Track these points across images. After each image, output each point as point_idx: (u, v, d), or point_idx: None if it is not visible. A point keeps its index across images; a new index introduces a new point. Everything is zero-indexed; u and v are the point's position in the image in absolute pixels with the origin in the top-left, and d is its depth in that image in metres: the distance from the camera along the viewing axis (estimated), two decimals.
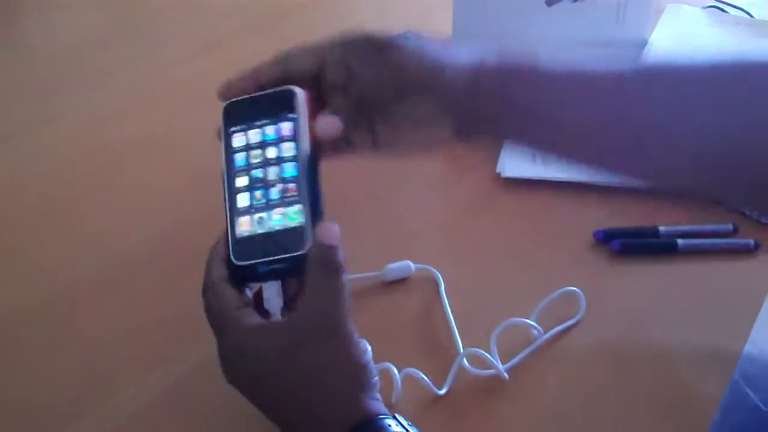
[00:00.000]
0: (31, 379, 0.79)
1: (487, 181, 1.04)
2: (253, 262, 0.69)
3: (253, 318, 0.67)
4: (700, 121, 0.71)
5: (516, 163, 1.06)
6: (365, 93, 0.73)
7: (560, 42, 1.26)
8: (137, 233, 0.97)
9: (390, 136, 0.76)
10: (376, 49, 0.73)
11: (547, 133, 0.75)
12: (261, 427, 0.68)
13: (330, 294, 0.66)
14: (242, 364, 0.67)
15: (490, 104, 0.73)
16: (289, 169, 0.71)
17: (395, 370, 0.75)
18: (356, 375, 0.66)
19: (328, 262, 0.66)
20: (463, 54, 0.75)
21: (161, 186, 1.05)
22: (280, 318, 0.69)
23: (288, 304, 0.70)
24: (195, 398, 0.77)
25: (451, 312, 0.84)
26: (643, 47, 1.22)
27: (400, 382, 0.75)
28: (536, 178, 1.04)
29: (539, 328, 0.81)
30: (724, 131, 0.70)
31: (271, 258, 0.69)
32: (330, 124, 0.72)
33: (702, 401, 0.76)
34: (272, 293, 0.70)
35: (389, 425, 0.64)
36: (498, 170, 1.06)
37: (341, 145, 0.76)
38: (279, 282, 0.70)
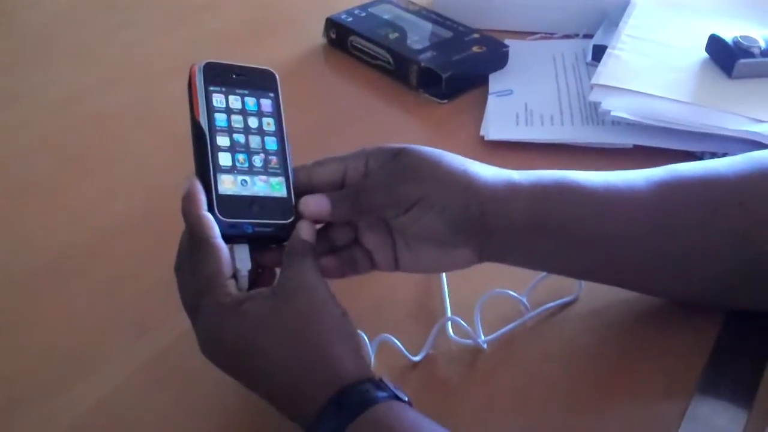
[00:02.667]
0: (16, 352, 0.79)
1: (471, 144, 1.04)
2: (241, 221, 0.70)
3: (236, 290, 0.68)
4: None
5: (500, 126, 1.06)
6: (377, 197, 0.72)
7: (543, 2, 1.26)
8: (121, 204, 0.96)
9: (410, 257, 0.75)
10: (393, 154, 0.72)
11: (583, 251, 0.75)
12: (247, 394, 0.68)
13: (305, 264, 0.68)
14: (222, 333, 0.67)
15: (522, 221, 0.72)
16: (271, 142, 0.74)
17: (366, 339, 0.75)
18: (337, 333, 0.66)
19: (305, 250, 0.69)
20: (489, 170, 0.73)
21: (144, 156, 1.04)
22: (246, 277, 0.70)
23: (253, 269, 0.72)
24: (181, 366, 0.77)
25: (447, 280, 0.83)
26: (625, 8, 1.21)
27: (372, 350, 0.75)
28: (520, 140, 1.04)
29: (526, 303, 0.80)
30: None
31: (260, 221, 0.71)
32: (317, 203, 0.72)
33: None
34: (244, 254, 0.71)
35: (371, 389, 0.63)
36: (482, 133, 1.06)
37: (367, 266, 0.76)
38: (247, 245, 0.71)
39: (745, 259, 0.73)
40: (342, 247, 0.76)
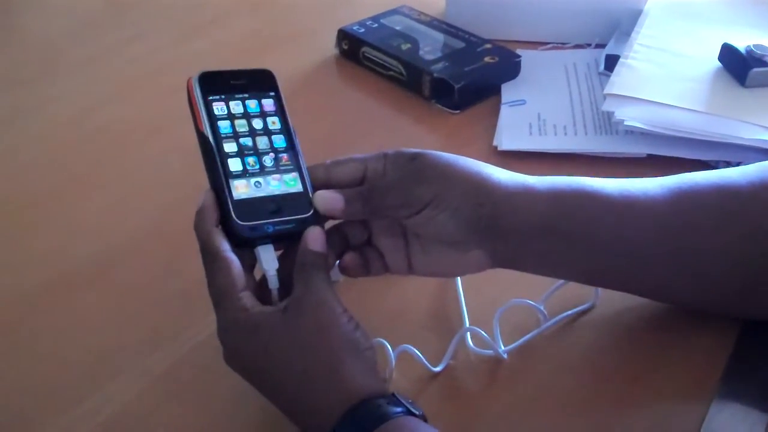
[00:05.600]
0: (30, 365, 0.79)
1: (484, 154, 1.04)
2: (260, 222, 0.71)
3: (252, 302, 0.68)
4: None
5: (512, 136, 1.06)
6: (391, 198, 0.72)
7: (555, 11, 1.26)
8: (133, 216, 0.96)
9: (423, 260, 0.75)
10: (409, 158, 0.73)
11: (598, 256, 0.75)
12: (260, 408, 0.68)
13: (315, 278, 0.68)
14: (239, 347, 0.68)
15: (536, 224, 0.73)
16: (279, 140, 0.75)
17: (389, 347, 0.75)
18: (348, 349, 0.66)
19: (316, 262, 0.69)
20: (503, 173, 0.74)
21: (154, 169, 1.04)
22: (275, 277, 0.71)
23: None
24: (195, 379, 0.76)
25: (463, 290, 0.83)
26: (638, 17, 1.21)
27: (393, 359, 0.74)
28: (533, 150, 1.04)
29: (544, 312, 0.80)
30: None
31: (279, 218, 0.71)
32: (330, 199, 0.72)
33: None
34: (269, 254, 0.71)
35: (383, 404, 0.63)
36: (495, 143, 1.05)
37: (379, 268, 0.77)
38: (272, 245, 0.72)
39: (760, 263, 0.73)
40: (355, 247, 0.76)
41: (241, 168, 0.72)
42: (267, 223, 0.71)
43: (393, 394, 0.65)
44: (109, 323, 0.83)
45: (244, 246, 0.71)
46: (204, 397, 0.75)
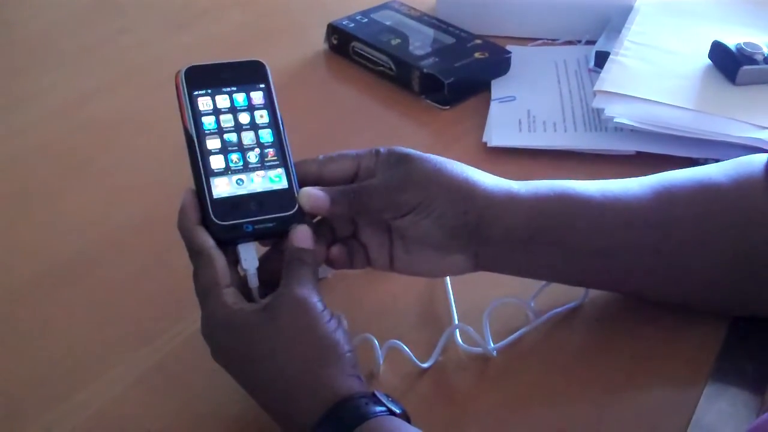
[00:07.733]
0: (17, 360, 0.78)
1: (473, 151, 1.04)
2: (240, 221, 0.70)
3: (235, 298, 0.68)
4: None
5: (502, 132, 1.06)
6: (377, 200, 0.72)
7: (545, 7, 1.26)
8: (121, 211, 0.96)
9: (406, 259, 0.75)
10: (399, 159, 0.72)
11: (581, 260, 0.76)
12: (249, 403, 0.68)
13: (300, 275, 0.68)
14: (222, 344, 0.68)
15: (519, 230, 0.73)
16: (265, 135, 0.74)
17: (377, 343, 0.75)
18: (327, 348, 0.65)
19: (303, 258, 0.69)
20: (489, 179, 0.74)
21: (144, 163, 1.04)
22: (255, 275, 0.71)
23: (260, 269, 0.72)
24: (183, 375, 0.76)
25: (452, 287, 0.83)
26: (628, 14, 1.21)
27: (381, 355, 0.75)
28: (522, 147, 1.04)
29: (533, 309, 0.80)
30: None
31: (260, 217, 0.71)
32: (316, 198, 0.71)
33: None
34: (250, 253, 0.71)
35: (363, 404, 0.63)
36: (484, 139, 1.05)
37: (362, 261, 0.76)
38: (254, 243, 0.72)
39: (739, 253, 0.74)
40: (340, 239, 0.76)
41: (223, 165, 0.71)
42: (247, 222, 0.70)
43: (374, 393, 0.65)
44: (97, 318, 0.82)
45: (226, 244, 0.70)
46: (192, 391, 0.75)
